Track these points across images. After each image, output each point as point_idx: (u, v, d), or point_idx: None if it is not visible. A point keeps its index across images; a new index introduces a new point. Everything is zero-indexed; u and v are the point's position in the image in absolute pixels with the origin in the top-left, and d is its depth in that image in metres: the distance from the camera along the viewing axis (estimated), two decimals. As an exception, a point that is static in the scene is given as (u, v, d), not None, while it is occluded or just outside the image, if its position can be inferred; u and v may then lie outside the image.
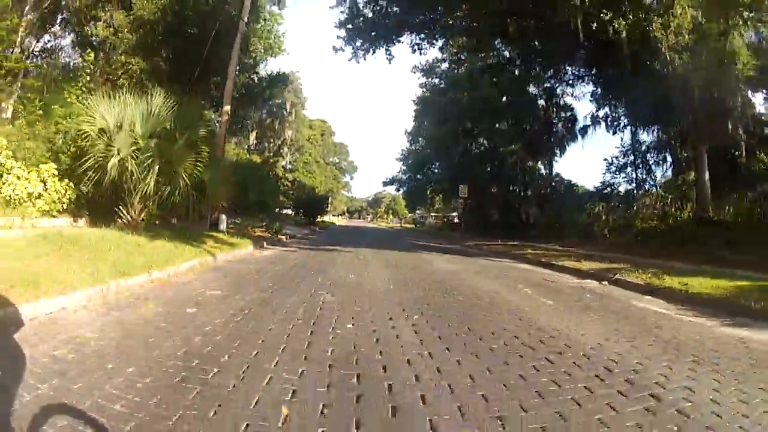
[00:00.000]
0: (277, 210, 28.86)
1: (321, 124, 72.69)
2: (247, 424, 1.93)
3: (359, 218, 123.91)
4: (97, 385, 2.23)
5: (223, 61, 14.83)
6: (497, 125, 30.39)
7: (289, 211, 41.16)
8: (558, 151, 31.51)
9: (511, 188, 29.52)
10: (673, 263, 10.79)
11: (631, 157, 31.36)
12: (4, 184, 9.79)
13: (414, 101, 39.89)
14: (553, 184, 28.17)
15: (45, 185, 10.03)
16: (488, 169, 31.62)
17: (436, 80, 35.19)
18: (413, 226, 63.01)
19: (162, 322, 3.58)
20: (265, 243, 12.15)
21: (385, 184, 52.75)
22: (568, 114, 30.52)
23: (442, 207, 53.17)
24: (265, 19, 20.69)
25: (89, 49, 12.45)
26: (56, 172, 10.11)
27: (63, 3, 19.93)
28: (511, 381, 2.68)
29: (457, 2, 13.27)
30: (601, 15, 11.69)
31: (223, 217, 13.00)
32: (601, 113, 26.89)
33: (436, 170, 40.85)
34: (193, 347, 2.96)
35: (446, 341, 3.50)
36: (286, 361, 2.82)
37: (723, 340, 3.98)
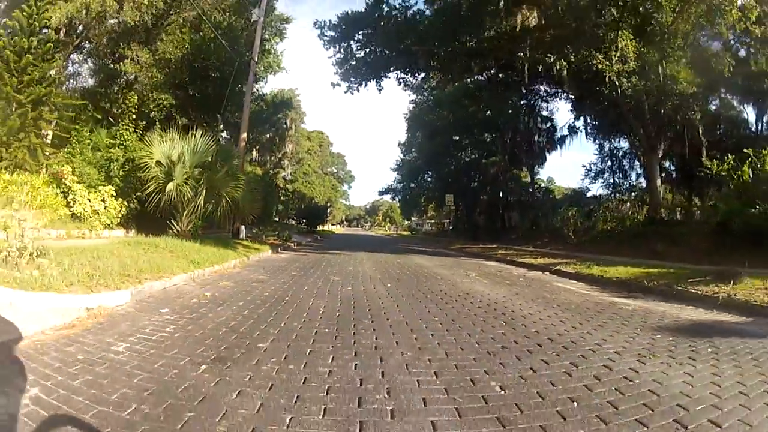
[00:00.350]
0: (282, 220, 31.36)
1: (319, 135, 75.39)
2: (306, 314, 4.49)
3: (358, 226, 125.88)
4: (229, 308, 4.75)
5: (238, 94, 17.50)
6: (483, 136, 33.05)
7: (291, 221, 43.72)
8: (540, 160, 34.33)
9: (495, 196, 32.06)
10: (618, 258, 13.03)
11: (609, 163, 34.13)
12: (73, 202, 12.37)
13: (405, 115, 42.57)
14: (532, 190, 30.74)
15: (104, 203, 12.60)
16: (475, 178, 34.27)
17: (425, 95, 37.74)
18: (409, 233, 65.45)
19: (240, 289, 6.11)
20: (279, 249, 14.70)
21: (380, 193, 55.43)
22: (548, 125, 33.26)
23: (435, 214, 55.65)
24: (266, 50, 23.38)
25: (132, 92, 15.02)
26: (114, 193, 12.70)
27: (84, 34, 22.50)
28: (431, 307, 5.26)
29: (427, 56, 16.08)
30: (546, 58, 14.35)
31: (242, 227, 15.55)
32: (579, 123, 29.71)
33: (428, 178, 43.49)
34: (266, 297, 5.50)
35: (403, 293, 6.12)
36: (318, 298, 5.45)
37: (596, 302, 6.22)
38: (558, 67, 14.24)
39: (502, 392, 2.58)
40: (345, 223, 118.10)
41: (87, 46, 23.36)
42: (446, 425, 2.13)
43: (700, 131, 24.43)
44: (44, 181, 13.13)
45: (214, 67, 16.89)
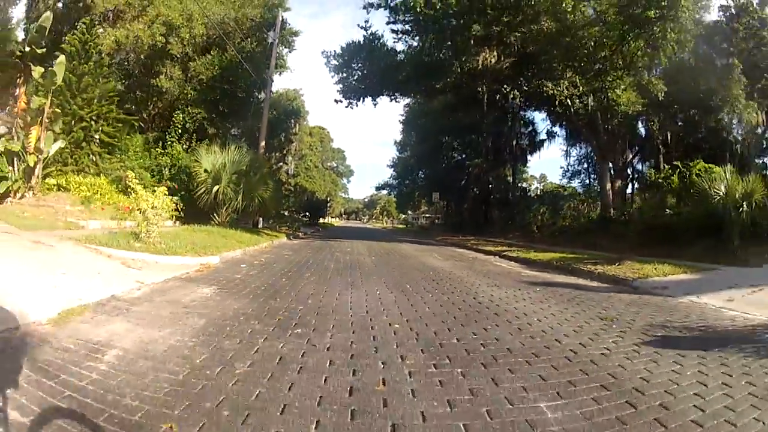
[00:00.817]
0: (290, 213, 35.00)
1: (320, 131, 78.36)
2: (324, 268, 8.20)
3: (356, 219, 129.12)
4: (279, 265, 8.41)
5: (257, 107, 21.09)
6: (470, 138, 36.42)
7: (295, 214, 47.23)
8: (521, 161, 37.94)
9: (479, 193, 35.64)
10: (564, 248, 16.00)
11: (585, 165, 37.78)
12: (136, 199, 15.93)
13: (400, 116, 46.01)
14: (511, 189, 34.35)
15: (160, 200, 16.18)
16: (463, 177, 37.86)
17: (416, 101, 40.90)
18: (404, 226, 68.98)
19: (279, 258, 9.77)
20: (291, 236, 18.38)
21: (377, 188, 58.87)
22: (529, 129, 36.69)
23: (427, 209, 59.26)
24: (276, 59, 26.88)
25: (178, 112, 18.61)
26: (166, 192, 16.28)
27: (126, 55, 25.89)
28: (399, 272, 8.96)
29: (409, 90, 19.75)
30: (502, 89, 17.93)
31: (260, 219, 19.20)
32: (557, 128, 33.22)
33: (421, 175, 47.04)
34: (297, 261, 9.18)
35: (382, 263, 9.84)
36: (329, 262, 9.19)
37: (507, 271, 9.92)
38: (512, 96, 17.81)
39: (410, 288, 6.30)
40: (344, 216, 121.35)
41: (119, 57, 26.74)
42: (383, 291, 5.83)
43: (668, 138, 28.08)
44: (107, 182, 16.70)
45: (241, 89, 20.45)
